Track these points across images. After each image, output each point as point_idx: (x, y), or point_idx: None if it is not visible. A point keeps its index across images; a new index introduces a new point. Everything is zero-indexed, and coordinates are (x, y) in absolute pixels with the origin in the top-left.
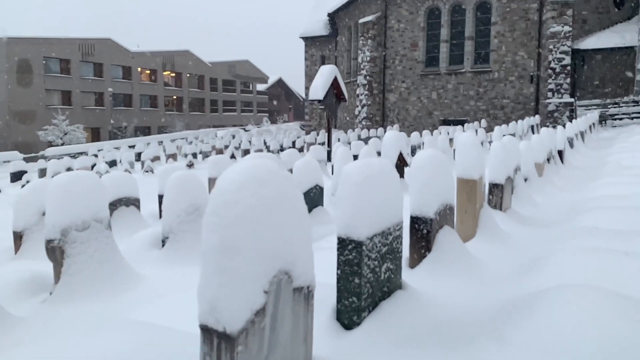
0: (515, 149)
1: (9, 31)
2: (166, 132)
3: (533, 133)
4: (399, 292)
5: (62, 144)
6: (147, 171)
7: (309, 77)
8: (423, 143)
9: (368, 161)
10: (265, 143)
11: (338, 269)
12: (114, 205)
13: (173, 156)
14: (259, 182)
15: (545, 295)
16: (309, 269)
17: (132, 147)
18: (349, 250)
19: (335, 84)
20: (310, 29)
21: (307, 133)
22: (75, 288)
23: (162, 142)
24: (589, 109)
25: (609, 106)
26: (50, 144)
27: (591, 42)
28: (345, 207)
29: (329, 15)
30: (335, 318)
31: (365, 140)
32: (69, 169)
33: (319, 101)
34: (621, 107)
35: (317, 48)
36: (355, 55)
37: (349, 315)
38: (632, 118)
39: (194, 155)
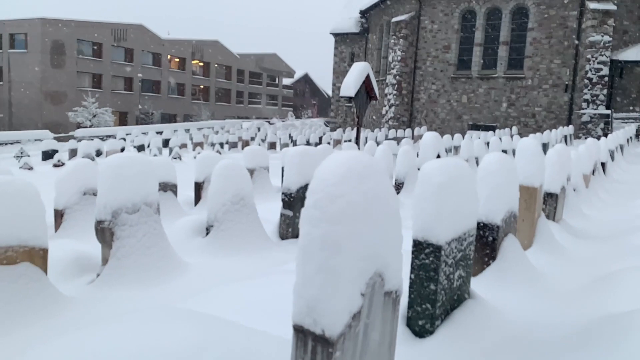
0: (568, 159)
1: (42, 12)
2: (192, 121)
3: (566, 143)
4: (470, 301)
5: (91, 126)
6: (175, 158)
7: (337, 73)
8: (454, 147)
9: (446, 161)
10: (291, 137)
11: (412, 273)
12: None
13: (200, 144)
14: (360, 176)
15: (636, 316)
16: (399, 272)
17: (160, 133)
18: (425, 255)
19: (367, 81)
20: (341, 26)
21: (332, 130)
22: (124, 271)
23: (189, 130)
24: (626, 122)
25: None
26: (79, 125)
27: (632, 54)
28: (424, 208)
29: (361, 12)
30: (406, 324)
31: (397, 141)
32: (98, 151)
33: (350, 98)
34: None
35: (347, 45)
36: (385, 54)
37: (421, 322)
38: None
39: (221, 145)
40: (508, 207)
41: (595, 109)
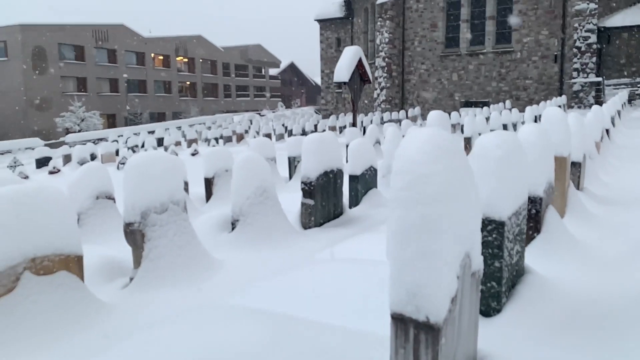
0: (584, 126)
1: (21, 18)
2: (181, 118)
3: None
4: (527, 276)
5: (79, 131)
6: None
7: (325, 60)
8: (457, 124)
9: (501, 134)
10: (285, 127)
11: None
12: None
13: (194, 141)
14: (447, 153)
15: None
16: (479, 251)
17: (152, 132)
18: (488, 232)
19: (359, 65)
20: (325, 11)
21: (324, 117)
22: (158, 273)
23: (180, 127)
24: (617, 88)
25: (638, 85)
26: (68, 131)
27: (617, 20)
28: (485, 184)
29: None
30: None
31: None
32: (92, 155)
33: (344, 83)
34: None
35: (333, 30)
36: (372, 37)
37: (487, 301)
38: None
39: (216, 140)
40: (547, 179)
41: (586, 78)
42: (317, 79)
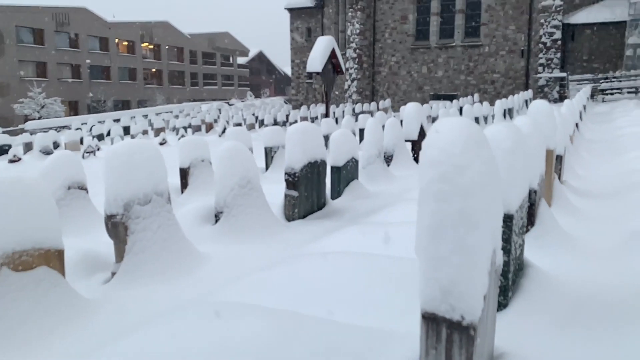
0: (564, 120)
1: None
2: (146, 106)
3: (527, 107)
4: (528, 269)
5: (39, 118)
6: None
7: (295, 50)
8: (429, 116)
9: (509, 125)
10: (256, 117)
11: None
12: None
13: (162, 130)
14: (479, 143)
15: None
16: (500, 245)
17: (117, 120)
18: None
19: (332, 56)
20: (295, 0)
21: (294, 107)
22: (142, 267)
23: (147, 115)
24: (581, 84)
25: (600, 81)
26: (27, 118)
27: (581, 17)
28: None
29: None
30: None
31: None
32: (55, 143)
33: (317, 73)
34: (613, 82)
35: (303, 20)
36: (343, 28)
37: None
38: (624, 93)
39: (185, 129)
40: (540, 171)
41: (551, 73)
42: (286, 69)
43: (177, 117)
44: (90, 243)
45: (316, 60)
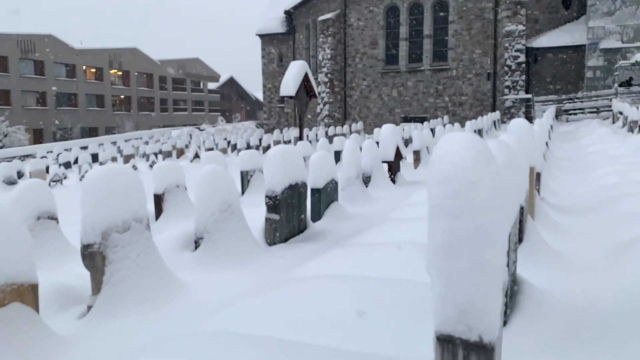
0: (540, 138)
1: None
2: (114, 133)
3: (495, 128)
4: (522, 285)
5: (2, 147)
6: (54, 181)
7: (267, 75)
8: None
9: (500, 141)
10: (228, 142)
11: None
12: None
13: (131, 157)
14: (488, 157)
15: None
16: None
17: (84, 148)
18: None
19: (305, 80)
20: (267, 26)
21: (267, 132)
22: (121, 298)
23: (115, 142)
24: (545, 104)
25: (564, 102)
26: None
27: (543, 41)
28: None
29: (286, 12)
30: None
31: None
32: (19, 173)
33: (291, 97)
34: (575, 102)
35: (275, 46)
36: (314, 53)
37: None
38: (586, 113)
39: (155, 155)
40: (526, 187)
41: (517, 94)
42: (257, 94)
43: (147, 143)
44: (63, 276)
45: (289, 85)
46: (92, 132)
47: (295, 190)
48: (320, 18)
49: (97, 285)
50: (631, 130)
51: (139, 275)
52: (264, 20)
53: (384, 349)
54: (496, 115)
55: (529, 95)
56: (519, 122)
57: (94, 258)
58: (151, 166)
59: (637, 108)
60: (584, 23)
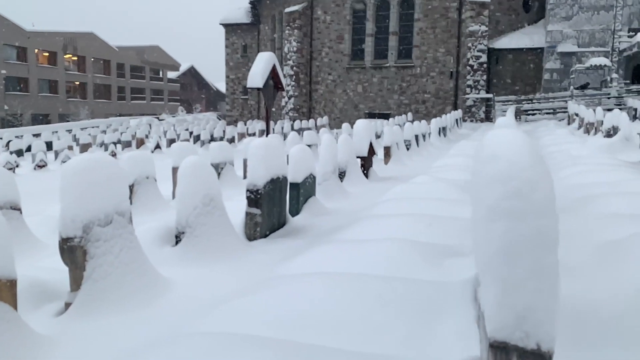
0: None
1: None
2: (68, 121)
3: (458, 126)
4: None
5: None
6: (64, 162)
7: (230, 65)
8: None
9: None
10: (190, 132)
11: None
12: None
13: (88, 146)
14: (539, 155)
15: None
16: None
17: (37, 135)
18: None
19: (273, 72)
20: (231, 16)
21: (229, 124)
22: (103, 295)
23: (71, 130)
24: (506, 104)
25: (523, 102)
26: None
27: (504, 42)
28: None
29: (251, 2)
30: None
31: (299, 131)
32: None
33: (258, 89)
34: (534, 103)
35: (239, 36)
36: (279, 45)
37: None
38: (543, 113)
39: (115, 145)
40: None
41: (478, 94)
42: (218, 85)
43: (104, 132)
44: (32, 270)
45: (257, 76)
46: (44, 119)
47: (277, 185)
48: (287, 10)
49: (76, 282)
50: (587, 132)
51: (122, 271)
52: (228, 9)
53: (393, 350)
54: (458, 113)
55: (490, 95)
56: (503, 120)
57: (74, 252)
58: (112, 156)
59: (594, 111)
60: (543, 26)
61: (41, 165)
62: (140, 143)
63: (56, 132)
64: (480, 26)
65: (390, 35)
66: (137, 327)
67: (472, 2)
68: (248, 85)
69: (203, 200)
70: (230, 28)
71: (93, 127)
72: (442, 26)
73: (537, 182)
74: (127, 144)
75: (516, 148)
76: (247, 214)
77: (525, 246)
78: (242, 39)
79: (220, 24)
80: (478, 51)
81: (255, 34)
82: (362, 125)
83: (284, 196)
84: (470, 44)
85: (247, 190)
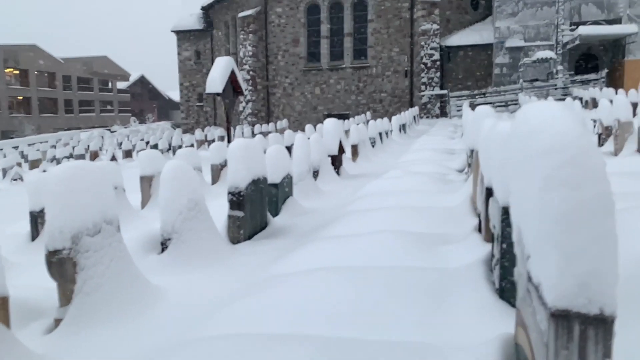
0: None
1: None
2: (13, 137)
3: (415, 122)
4: None
5: None
6: (14, 179)
7: (184, 72)
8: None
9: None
10: (147, 142)
11: (503, 243)
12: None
13: (38, 162)
14: (582, 125)
15: None
16: None
17: None
18: None
19: (232, 77)
20: (183, 23)
21: (185, 132)
22: (95, 308)
23: (17, 147)
24: (460, 99)
25: (476, 96)
26: None
27: (455, 40)
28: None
29: (203, 8)
30: (499, 297)
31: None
32: None
33: (218, 94)
34: (486, 97)
35: (191, 42)
36: (234, 50)
37: (516, 293)
38: (496, 106)
39: (68, 159)
40: None
41: (432, 91)
42: (170, 93)
43: (54, 147)
44: (8, 288)
45: (216, 81)
46: None
47: (258, 186)
48: (241, 14)
49: (65, 296)
50: None
51: (113, 282)
52: (180, 16)
53: (411, 336)
54: (415, 110)
55: (445, 91)
56: (486, 109)
57: (63, 265)
58: (15, 179)
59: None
60: (491, 23)
61: None
62: (94, 156)
63: (1, 149)
64: (432, 25)
65: (345, 37)
66: (138, 338)
67: (423, 2)
68: (207, 91)
69: (188, 204)
70: (183, 35)
71: (42, 143)
72: (395, 26)
73: (589, 149)
74: (80, 157)
75: (564, 119)
76: (230, 216)
77: (585, 213)
78: (195, 46)
79: (172, 31)
80: (431, 49)
81: (209, 40)
82: (331, 124)
83: (265, 197)
84: (423, 43)
85: (229, 193)
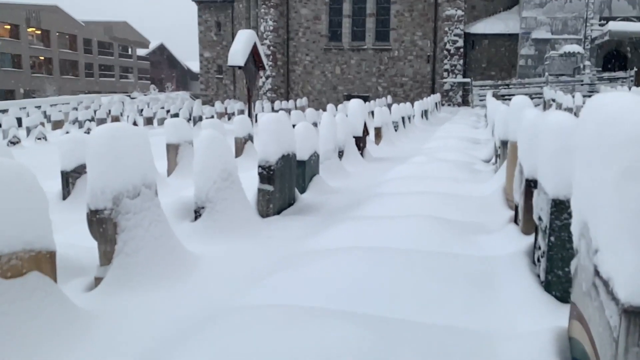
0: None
1: None
2: (34, 97)
3: (437, 109)
4: None
5: None
6: (38, 139)
7: (204, 43)
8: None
9: (562, 114)
10: (167, 111)
11: (551, 235)
12: (77, 173)
13: (60, 123)
14: None
15: None
16: None
17: (4, 111)
18: (568, 214)
19: (254, 50)
20: None
21: (204, 103)
22: (135, 270)
23: (40, 107)
24: (483, 89)
25: (500, 87)
26: None
27: (480, 27)
28: (565, 163)
29: None
30: (544, 289)
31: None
32: None
33: (239, 67)
34: (510, 88)
35: (212, 13)
36: (255, 24)
37: (562, 287)
38: None
39: (90, 122)
40: None
41: (455, 78)
42: (189, 63)
43: (75, 109)
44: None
45: (238, 54)
46: (8, 95)
47: (287, 161)
48: None
49: (106, 256)
50: None
51: (152, 245)
52: None
53: (456, 320)
54: (437, 97)
55: (468, 79)
56: (523, 100)
57: (104, 225)
58: (87, 133)
59: (573, 96)
60: (517, 12)
61: (14, 142)
62: (115, 121)
63: (24, 108)
64: (456, 10)
65: (367, 17)
66: (178, 303)
67: None
68: (229, 64)
69: (221, 174)
70: (204, 5)
71: (63, 104)
72: (419, 9)
73: None
74: (101, 122)
75: (631, 102)
76: (260, 190)
77: None
78: (215, 16)
79: (193, 0)
80: (454, 35)
81: (229, 11)
82: (357, 104)
83: (294, 173)
84: (446, 28)
85: (259, 167)
